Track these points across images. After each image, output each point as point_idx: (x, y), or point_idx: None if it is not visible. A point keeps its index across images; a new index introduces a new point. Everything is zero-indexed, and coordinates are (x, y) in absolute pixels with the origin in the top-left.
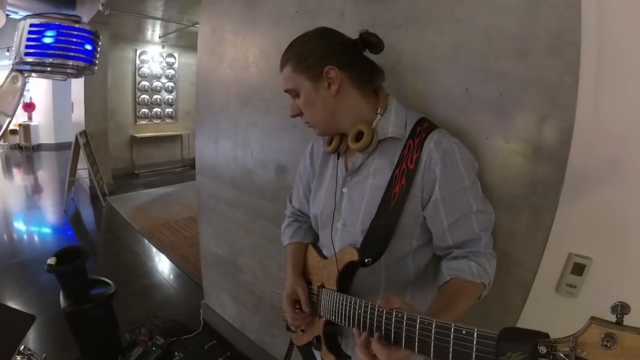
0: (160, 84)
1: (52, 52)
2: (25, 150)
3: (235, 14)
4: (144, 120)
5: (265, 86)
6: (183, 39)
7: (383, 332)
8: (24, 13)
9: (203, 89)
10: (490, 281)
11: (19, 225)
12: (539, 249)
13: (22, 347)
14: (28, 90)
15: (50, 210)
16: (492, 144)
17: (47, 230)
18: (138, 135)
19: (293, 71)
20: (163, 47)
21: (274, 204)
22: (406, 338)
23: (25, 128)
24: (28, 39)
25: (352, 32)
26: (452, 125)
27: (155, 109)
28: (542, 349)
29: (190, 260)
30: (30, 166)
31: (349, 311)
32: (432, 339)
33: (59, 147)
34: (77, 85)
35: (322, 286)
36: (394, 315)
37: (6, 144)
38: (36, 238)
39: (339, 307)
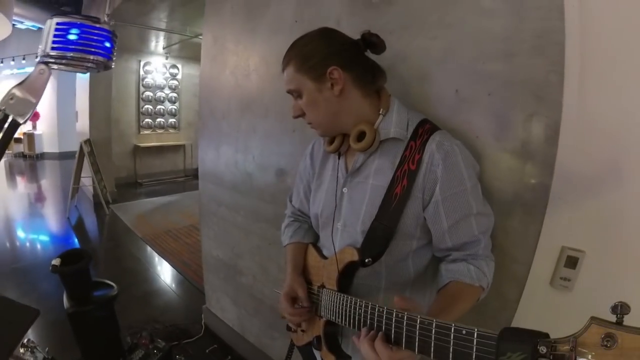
0: (163, 95)
1: (74, 47)
2: (29, 159)
3: (237, 23)
4: (147, 130)
5: (265, 92)
6: (186, 50)
7: (383, 332)
8: (29, 23)
9: (206, 96)
10: (488, 284)
11: (23, 232)
12: (532, 244)
13: (26, 339)
14: None
15: (53, 217)
16: (482, 142)
17: (50, 237)
18: (141, 144)
19: (296, 72)
20: (167, 58)
21: (274, 206)
22: (406, 338)
23: (30, 137)
24: (54, 35)
25: None
26: (443, 125)
27: (158, 119)
28: (542, 349)
29: (191, 266)
30: (34, 174)
31: (350, 311)
32: (432, 339)
33: (63, 156)
34: (82, 95)
35: (323, 286)
36: (394, 315)
37: (10, 152)
38: (39, 244)
39: (339, 307)
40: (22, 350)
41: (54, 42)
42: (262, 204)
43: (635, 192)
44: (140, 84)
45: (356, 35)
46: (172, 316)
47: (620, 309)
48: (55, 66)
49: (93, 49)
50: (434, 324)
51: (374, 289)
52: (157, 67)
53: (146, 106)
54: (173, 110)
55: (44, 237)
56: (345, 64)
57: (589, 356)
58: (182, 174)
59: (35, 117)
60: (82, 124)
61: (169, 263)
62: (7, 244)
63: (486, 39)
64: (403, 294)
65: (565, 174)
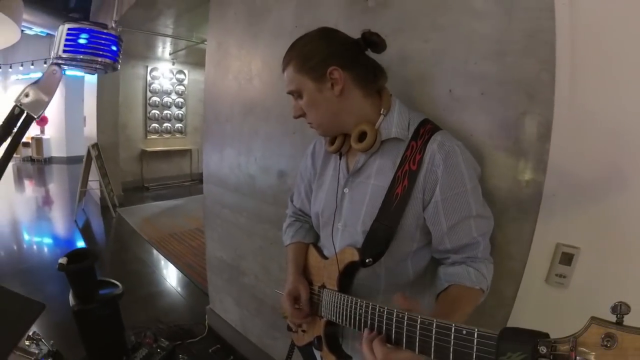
0: (170, 100)
1: (84, 50)
2: (37, 163)
3: (240, 29)
4: (154, 135)
5: (267, 96)
6: (192, 56)
7: (384, 332)
8: (38, 29)
9: (210, 101)
10: (488, 287)
11: (30, 234)
12: (527, 240)
13: (32, 332)
14: None
15: (61, 220)
16: (476, 141)
17: (57, 239)
18: (148, 149)
19: (296, 72)
20: (173, 63)
21: (275, 207)
22: (407, 338)
23: (38, 141)
24: (66, 40)
25: None
26: (438, 124)
27: (165, 124)
28: (542, 349)
29: (196, 268)
30: (41, 178)
31: (350, 311)
32: (433, 339)
33: (70, 160)
34: (90, 100)
35: (323, 286)
36: (394, 316)
37: (18, 156)
38: (47, 246)
39: (339, 307)
40: (27, 343)
41: (65, 45)
42: (264, 205)
43: (629, 188)
44: (148, 90)
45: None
46: (176, 317)
47: (620, 309)
48: (66, 67)
49: (101, 52)
50: (434, 324)
51: (373, 290)
52: (164, 73)
53: (153, 111)
54: (180, 115)
55: (52, 240)
56: (346, 63)
57: (589, 356)
58: (189, 179)
59: (43, 121)
60: (90, 128)
61: (174, 265)
62: (15, 246)
63: (478, 40)
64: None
65: (558, 170)
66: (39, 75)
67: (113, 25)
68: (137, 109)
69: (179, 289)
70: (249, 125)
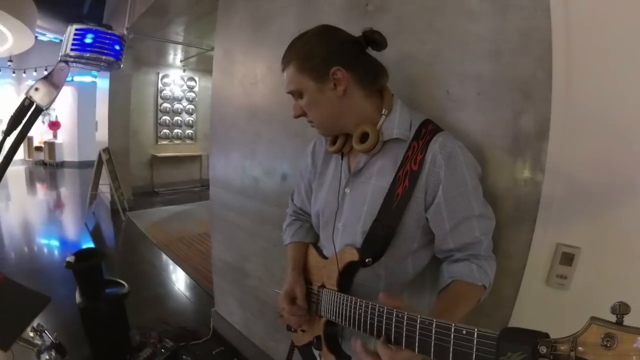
0: (181, 106)
1: (90, 48)
2: (49, 167)
3: (245, 36)
4: (164, 141)
5: (270, 100)
6: (203, 63)
7: (384, 331)
8: (51, 35)
9: (217, 106)
10: (490, 283)
11: (41, 236)
12: (526, 240)
13: (36, 324)
14: (54, 109)
15: (71, 223)
16: (474, 140)
17: (67, 241)
18: (159, 154)
19: (297, 72)
20: (184, 70)
21: (278, 208)
22: (406, 338)
23: (50, 145)
24: (74, 39)
25: None
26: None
27: (176, 130)
28: (542, 349)
29: (203, 272)
30: (53, 182)
31: (350, 311)
32: (433, 338)
33: (82, 165)
34: (102, 106)
35: (323, 286)
36: (394, 315)
37: (31, 159)
38: (57, 248)
39: (339, 307)
40: (31, 334)
41: (73, 44)
42: (267, 207)
43: (630, 186)
44: (159, 96)
45: None
46: (182, 318)
47: (620, 309)
48: (74, 64)
49: (105, 51)
50: (434, 324)
51: (373, 289)
52: (175, 80)
53: (164, 117)
54: (190, 121)
55: (62, 241)
56: (348, 63)
57: (589, 356)
58: (199, 184)
59: (56, 126)
60: (102, 133)
61: (182, 268)
62: (27, 247)
63: (474, 41)
64: (401, 295)
65: (557, 169)
66: None
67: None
68: (148, 115)
69: (185, 292)
70: (253, 129)
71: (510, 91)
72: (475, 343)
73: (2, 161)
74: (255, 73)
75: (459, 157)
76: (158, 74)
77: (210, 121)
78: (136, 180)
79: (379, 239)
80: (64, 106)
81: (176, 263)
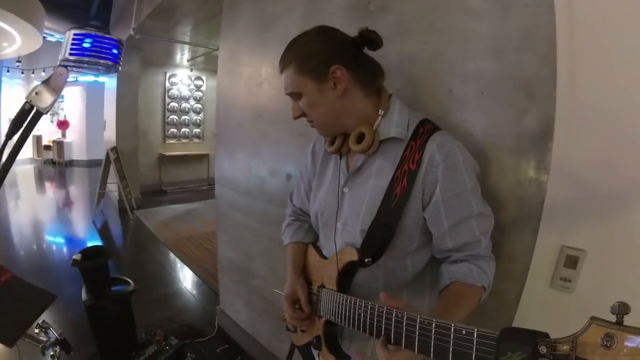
0: (188, 106)
1: (88, 53)
2: (58, 166)
3: (250, 37)
4: (172, 140)
5: (275, 100)
6: (210, 63)
7: (383, 332)
8: (59, 36)
9: (223, 106)
10: (489, 284)
11: (49, 234)
12: (530, 242)
13: (41, 320)
14: (62, 109)
15: (79, 221)
16: (477, 140)
17: (75, 239)
18: (166, 153)
19: (296, 73)
20: (191, 70)
21: (283, 208)
22: (406, 338)
23: (59, 144)
24: (72, 44)
25: None
26: (439, 124)
27: (183, 129)
28: (542, 349)
29: (210, 271)
30: (62, 180)
31: (349, 311)
32: (432, 339)
33: (90, 163)
34: (110, 105)
35: (322, 286)
36: (394, 315)
37: (40, 158)
38: (65, 246)
39: (339, 307)
40: (37, 330)
41: (71, 49)
42: (272, 207)
43: (636, 188)
44: (166, 95)
45: None
46: (187, 316)
47: (620, 309)
48: (74, 69)
49: (103, 55)
50: (433, 324)
51: (373, 289)
52: (182, 79)
53: (171, 116)
54: (198, 120)
55: (70, 239)
56: (347, 62)
57: (589, 356)
58: (206, 183)
59: (64, 125)
60: (110, 133)
61: (189, 267)
62: (35, 245)
63: (476, 39)
64: (400, 295)
65: (562, 170)
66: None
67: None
68: (156, 115)
69: (192, 290)
70: (259, 129)
71: (513, 90)
72: (475, 343)
73: (4, 165)
74: (260, 74)
75: (457, 156)
76: (165, 73)
77: (216, 121)
78: (144, 179)
79: (378, 239)
80: (72, 106)
81: (183, 262)
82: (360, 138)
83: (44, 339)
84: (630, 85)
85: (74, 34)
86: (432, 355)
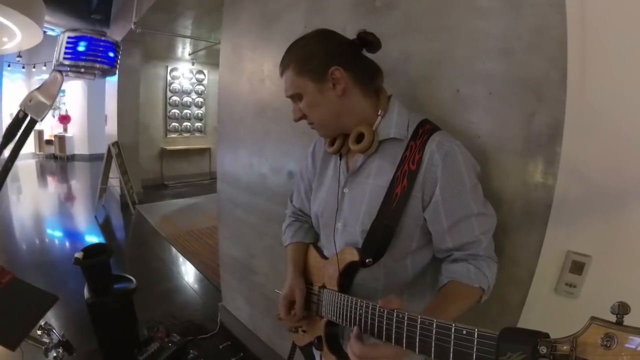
0: (190, 99)
1: (84, 57)
2: (60, 160)
3: (253, 32)
4: (174, 134)
5: (278, 97)
6: (212, 57)
7: (384, 332)
8: (59, 30)
9: (224, 102)
10: (489, 285)
11: (51, 229)
12: (535, 247)
13: (44, 322)
14: (64, 104)
15: (81, 215)
16: (484, 142)
17: (77, 234)
18: (168, 147)
19: (297, 75)
20: (193, 64)
21: (284, 206)
22: (407, 338)
23: (61, 139)
24: (66, 48)
25: None
26: (445, 125)
27: (185, 123)
28: (542, 349)
29: (211, 266)
30: (64, 175)
31: (350, 311)
32: (433, 339)
33: (92, 158)
34: (111, 100)
35: (323, 286)
36: (394, 316)
37: (42, 153)
38: (66, 241)
39: (340, 307)
40: (39, 332)
41: (65, 53)
42: (274, 205)
43: None
44: (168, 89)
45: None
46: (189, 313)
47: (620, 309)
48: (70, 74)
49: (99, 59)
50: (434, 324)
51: (373, 289)
52: (184, 73)
53: (173, 110)
54: (199, 114)
55: (72, 234)
56: (346, 63)
57: (589, 356)
58: (208, 177)
59: (66, 120)
60: (111, 127)
61: (190, 262)
62: (37, 240)
63: (485, 39)
64: (400, 295)
65: (570, 174)
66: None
67: (133, 26)
68: (158, 109)
69: (194, 285)
70: (261, 126)
71: (522, 92)
72: (475, 343)
73: (4, 166)
74: (262, 69)
75: (457, 155)
76: (167, 67)
77: (217, 117)
78: (146, 173)
79: (378, 239)
80: (73, 100)
81: (185, 257)
82: (359, 138)
83: (47, 340)
84: None
85: (68, 37)
86: (432, 355)
